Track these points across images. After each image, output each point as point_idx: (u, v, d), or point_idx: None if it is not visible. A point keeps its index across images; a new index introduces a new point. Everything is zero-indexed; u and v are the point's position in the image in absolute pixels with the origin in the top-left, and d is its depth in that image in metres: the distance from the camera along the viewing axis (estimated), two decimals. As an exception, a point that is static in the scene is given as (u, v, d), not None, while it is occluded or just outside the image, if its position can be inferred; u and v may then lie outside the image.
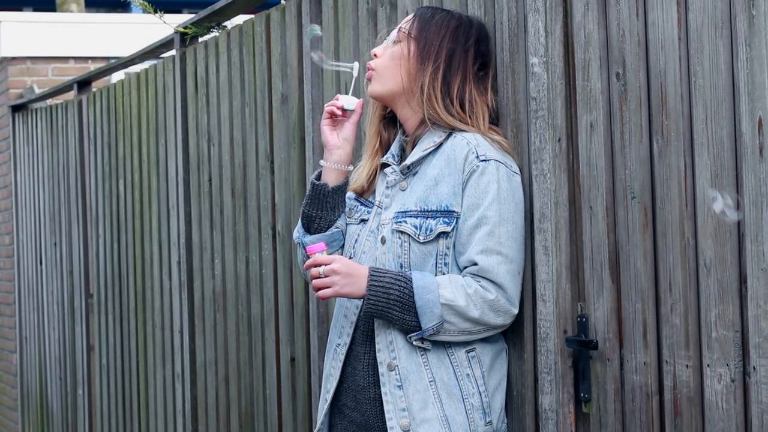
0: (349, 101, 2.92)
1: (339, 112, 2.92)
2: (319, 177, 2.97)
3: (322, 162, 2.96)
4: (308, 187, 2.98)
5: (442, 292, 2.70)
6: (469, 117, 2.82)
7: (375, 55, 2.91)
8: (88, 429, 6.77)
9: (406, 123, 2.90)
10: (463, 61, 2.85)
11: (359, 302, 2.85)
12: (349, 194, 2.97)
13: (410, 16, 2.92)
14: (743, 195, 2.23)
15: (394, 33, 2.91)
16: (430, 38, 2.84)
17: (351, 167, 2.95)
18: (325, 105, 2.95)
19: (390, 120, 2.97)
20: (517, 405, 2.84)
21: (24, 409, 8.24)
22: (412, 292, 2.71)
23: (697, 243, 2.34)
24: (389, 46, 2.89)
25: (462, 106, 2.82)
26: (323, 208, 2.93)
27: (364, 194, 2.95)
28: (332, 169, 2.93)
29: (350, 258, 2.90)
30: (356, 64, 2.97)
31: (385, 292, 2.72)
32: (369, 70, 2.90)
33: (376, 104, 2.97)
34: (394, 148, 2.93)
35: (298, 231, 3.01)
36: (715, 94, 2.29)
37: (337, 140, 2.93)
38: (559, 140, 2.71)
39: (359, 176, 2.94)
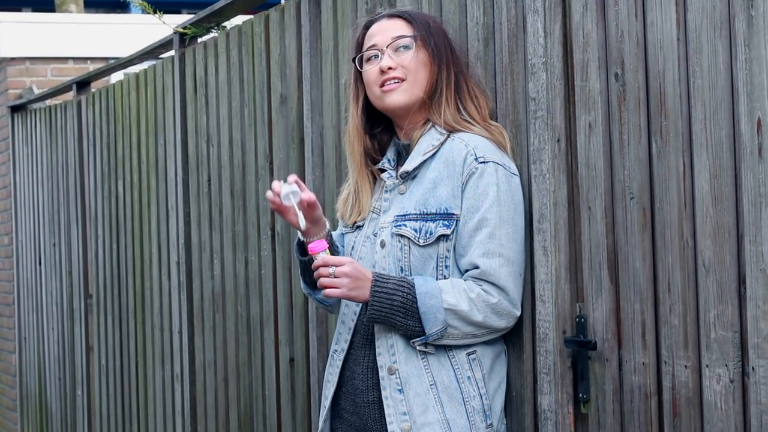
0: (290, 200, 2.78)
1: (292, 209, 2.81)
2: (302, 250, 2.91)
3: (302, 237, 2.89)
4: (296, 261, 2.91)
5: (444, 297, 2.70)
6: (476, 108, 2.83)
7: (390, 68, 2.82)
8: (87, 429, 6.77)
9: (407, 128, 2.88)
10: (458, 56, 2.86)
11: (357, 308, 2.86)
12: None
13: (398, 22, 2.85)
14: (742, 195, 2.23)
15: (396, 42, 2.83)
16: (437, 40, 2.83)
17: (328, 225, 2.90)
18: (271, 202, 2.80)
19: (371, 136, 2.93)
20: (516, 405, 2.84)
21: (23, 409, 8.24)
22: (415, 298, 2.71)
23: (696, 243, 2.34)
24: (399, 53, 2.83)
25: (472, 101, 2.83)
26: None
27: None
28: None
29: None
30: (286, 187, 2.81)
31: (389, 299, 2.71)
32: (395, 81, 2.82)
33: (356, 149, 2.90)
34: (390, 153, 2.92)
35: (305, 289, 3.02)
36: (714, 94, 2.29)
37: (305, 222, 2.84)
38: (558, 141, 2.71)
39: (362, 210, 2.90)
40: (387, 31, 2.86)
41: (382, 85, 2.83)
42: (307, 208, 2.81)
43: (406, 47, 2.83)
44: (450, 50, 2.85)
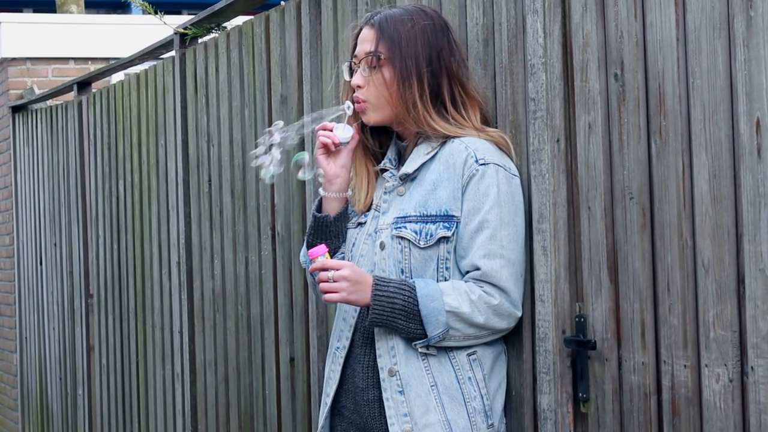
0: (344, 133, 2.86)
1: (333, 148, 2.87)
2: (319, 207, 2.95)
3: (321, 192, 2.93)
4: (309, 218, 2.93)
5: (446, 299, 2.70)
6: (464, 118, 2.82)
7: (359, 86, 2.82)
8: (88, 429, 6.78)
9: (403, 132, 2.89)
10: (443, 61, 2.80)
11: (357, 306, 2.86)
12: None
13: (371, 33, 2.82)
14: (741, 195, 2.23)
15: (367, 58, 2.81)
16: (405, 53, 2.78)
17: (350, 192, 2.93)
18: (318, 134, 2.88)
19: (373, 129, 2.93)
20: (515, 405, 2.85)
21: (24, 409, 8.24)
22: (417, 300, 2.71)
23: (695, 243, 2.35)
24: (366, 72, 2.82)
25: (455, 108, 2.81)
26: (327, 237, 2.91)
27: None
28: (333, 198, 2.91)
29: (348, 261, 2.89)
30: (348, 103, 2.86)
31: (390, 302, 2.72)
32: (359, 102, 2.83)
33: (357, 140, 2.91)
34: (391, 153, 2.92)
35: (304, 256, 3.01)
36: (713, 94, 2.29)
37: (335, 169, 2.89)
38: (558, 141, 2.71)
39: (357, 201, 2.91)
40: (365, 42, 2.83)
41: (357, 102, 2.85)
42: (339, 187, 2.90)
43: (374, 67, 2.81)
44: (426, 58, 2.79)
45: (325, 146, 2.88)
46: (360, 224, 2.91)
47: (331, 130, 2.87)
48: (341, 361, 2.88)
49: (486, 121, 2.87)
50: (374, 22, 2.83)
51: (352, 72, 2.87)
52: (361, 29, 2.88)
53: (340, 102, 2.94)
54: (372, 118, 2.85)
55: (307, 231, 2.98)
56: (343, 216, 2.92)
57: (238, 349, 4.57)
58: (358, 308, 2.86)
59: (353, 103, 2.85)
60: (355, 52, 2.86)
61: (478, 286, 2.71)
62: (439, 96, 2.80)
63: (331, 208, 2.92)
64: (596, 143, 2.61)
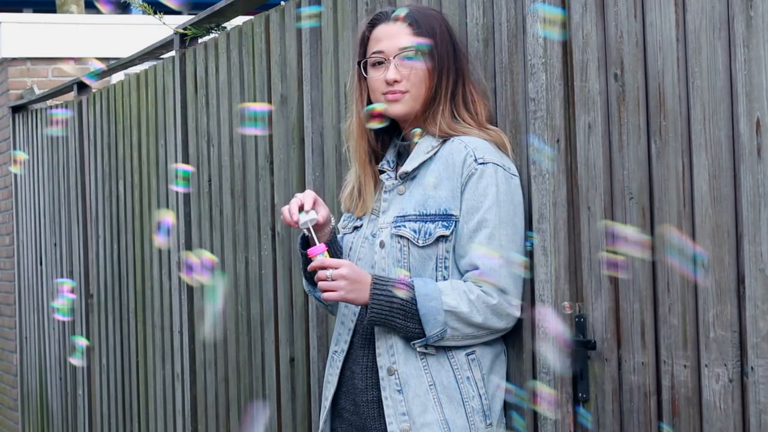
0: (307, 224, 2.82)
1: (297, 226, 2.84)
2: (304, 243, 2.92)
3: (307, 233, 2.89)
4: (299, 257, 2.88)
5: (444, 299, 2.70)
6: (472, 118, 2.82)
7: (396, 81, 2.81)
8: (87, 429, 6.78)
9: (407, 130, 2.89)
10: (459, 61, 2.84)
11: (356, 309, 2.86)
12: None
13: (403, 27, 2.82)
14: (741, 195, 2.23)
15: (402, 53, 2.81)
16: (441, 50, 2.81)
17: (333, 220, 2.92)
18: (292, 218, 2.81)
19: (377, 131, 2.93)
20: (515, 405, 2.85)
21: (24, 408, 8.24)
22: (415, 300, 2.71)
23: (695, 243, 2.35)
24: (404, 65, 2.81)
25: (467, 108, 2.83)
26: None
27: None
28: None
29: None
30: (306, 222, 2.81)
31: (388, 301, 2.72)
32: (397, 93, 2.81)
33: (360, 147, 2.90)
34: (390, 154, 2.92)
35: (307, 286, 3.02)
36: (713, 95, 2.29)
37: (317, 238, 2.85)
38: (558, 141, 2.71)
39: (362, 204, 2.91)
40: (394, 37, 2.83)
41: (386, 94, 2.83)
42: (322, 225, 2.85)
43: (411, 58, 2.81)
44: (452, 55, 2.83)
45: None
46: (356, 228, 2.91)
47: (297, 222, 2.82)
48: (339, 364, 2.88)
49: (490, 122, 2.88)
50: (406, 18, 2.83)
51: (366, 70, 2.87)
52: (374, 27, 2.87)
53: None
54: (404, 109, 2.83)
55: (302, 268, 2.98)
56: (333, 241, 2.91)
57: (238, 349, 4.57)
58: (357, 312, 2.86)
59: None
60: (381, 48, 2.84)
61: (477, 286, 2.71)
62: (455, 95, 2.82)
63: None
64: (596, 143, 2.61)
